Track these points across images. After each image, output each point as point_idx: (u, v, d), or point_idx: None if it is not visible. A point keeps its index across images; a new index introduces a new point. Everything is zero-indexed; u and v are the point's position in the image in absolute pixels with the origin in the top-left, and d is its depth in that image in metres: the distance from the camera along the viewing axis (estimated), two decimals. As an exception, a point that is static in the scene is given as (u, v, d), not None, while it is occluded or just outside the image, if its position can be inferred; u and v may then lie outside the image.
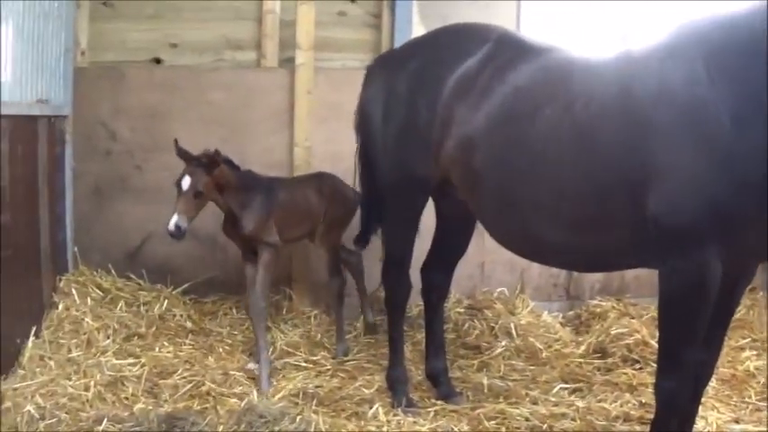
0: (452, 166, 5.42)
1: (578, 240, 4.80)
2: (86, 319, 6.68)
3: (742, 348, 7.10)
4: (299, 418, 5.17)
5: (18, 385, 5.57)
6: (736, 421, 5.73)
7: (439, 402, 6.06)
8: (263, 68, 7.94)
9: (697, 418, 5.08)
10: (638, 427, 5.49)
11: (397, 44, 7.48)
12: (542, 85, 4.94)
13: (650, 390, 5.06)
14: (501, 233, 5.37)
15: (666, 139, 4.24)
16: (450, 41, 5.74)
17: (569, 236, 4.82)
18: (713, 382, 5.77)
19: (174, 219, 5.95)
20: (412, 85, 5.71)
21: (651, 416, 4.67)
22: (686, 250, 4.22)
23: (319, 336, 7.32)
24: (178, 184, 6.10)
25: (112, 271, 7.53)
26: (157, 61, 7.87)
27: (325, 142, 7.75)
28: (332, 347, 7.05)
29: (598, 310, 7.83)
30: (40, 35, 6.59)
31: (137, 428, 5.14)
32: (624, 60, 4.61)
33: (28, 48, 6.36)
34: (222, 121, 7.80)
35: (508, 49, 5.30)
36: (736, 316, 5.35)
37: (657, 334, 4.54)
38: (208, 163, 6.11)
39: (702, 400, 5.03)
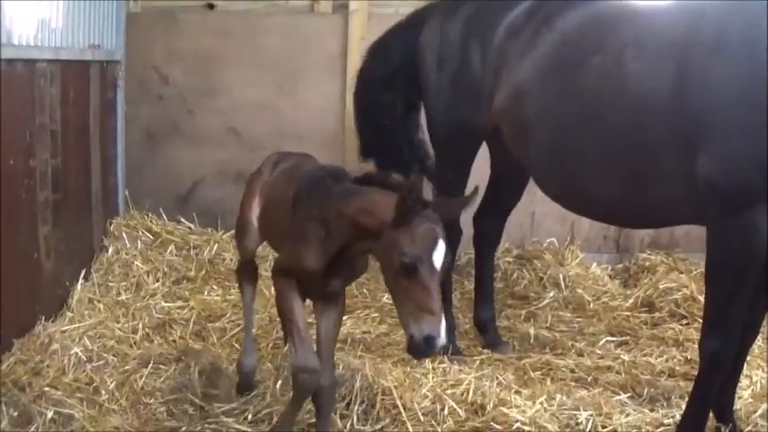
0: (502, 115, 5.36)
1: (627, 196, 4.72)
2: (136, 263, 6.81)
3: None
4: (341, 365, 5.17)
5: (66, 327, 5.67)
6: (781, 381, 5.66)
7: (485, 351, 6.08)
8: (316, 14, 7.92)
9: (741, 377, 5.04)
10: (682, 383, 5.44)
11: (451, -10, 7.40)
12: (591, 32, 4.84)
13: (696, 346, 5.01)
14: (550, 187, 5.30)
15: (723, 95, 4.14)
16: (502, -13, 5.65)
17: (618, 191, 4.74)
18: (759, 342, 5.68)
19: (444, 325, 3.66)
20: (465, 33, 5.64)
21: (696, 372, 4.63)
22: (736, 210, 4.14)
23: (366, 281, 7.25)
24: (425, 262, 3.63)
25: (163, 215, 7.65)
26: (210, 6, 7.88)
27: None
28: (379, 293, 6.98)
29: (647, 263, 7.73)
30: (93, -20, 6.61)
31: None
32: (679, 8, 4.51)
33: (81, -7, 6.38)
34: (276, 67, 7.82)
35: (557, -4, 5.20)
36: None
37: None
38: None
39: (748, 359, 4.98)
